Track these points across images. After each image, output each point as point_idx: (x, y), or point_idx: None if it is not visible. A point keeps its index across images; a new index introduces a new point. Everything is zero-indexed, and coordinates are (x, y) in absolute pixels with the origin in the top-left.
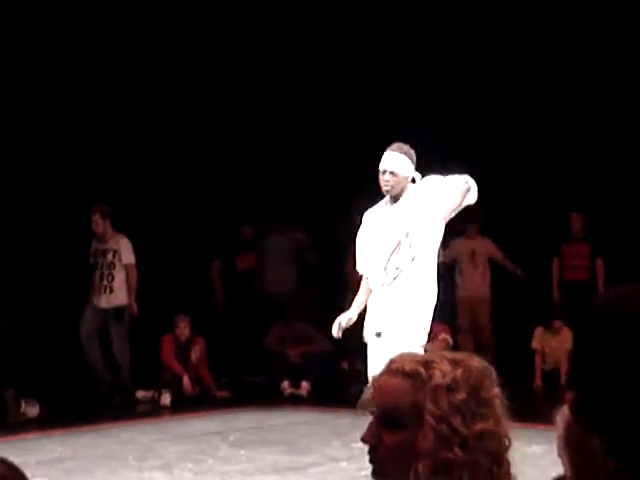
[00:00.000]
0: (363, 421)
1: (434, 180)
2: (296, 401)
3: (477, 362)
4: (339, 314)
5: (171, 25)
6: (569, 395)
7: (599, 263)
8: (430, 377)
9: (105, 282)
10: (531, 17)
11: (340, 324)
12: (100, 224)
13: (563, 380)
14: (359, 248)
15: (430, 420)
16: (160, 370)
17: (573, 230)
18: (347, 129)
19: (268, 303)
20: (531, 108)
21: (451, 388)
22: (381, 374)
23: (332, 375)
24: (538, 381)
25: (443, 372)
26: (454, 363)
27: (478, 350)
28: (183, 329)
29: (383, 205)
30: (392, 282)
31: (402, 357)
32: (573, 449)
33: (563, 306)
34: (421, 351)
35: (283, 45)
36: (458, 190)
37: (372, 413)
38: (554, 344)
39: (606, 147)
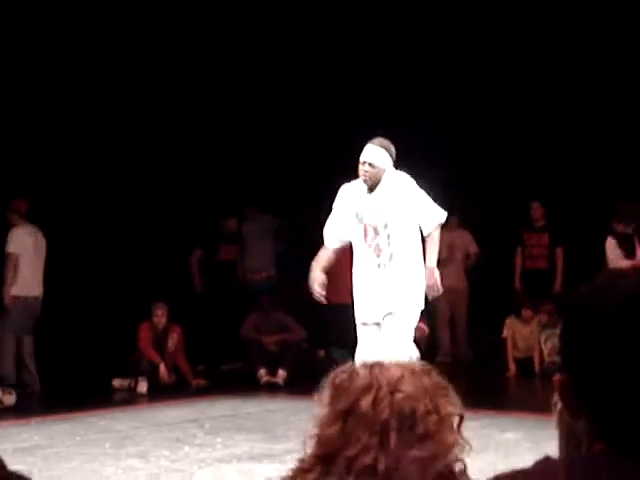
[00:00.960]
0: None
1: (418, 193)
2: (272, 389)
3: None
4: (315, 303)
5: (152, 15)
6: (557, 377)
7: (559, 252)
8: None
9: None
10: (503, 6)
11: (317, 287)
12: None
13: (537, 368)
14: (336, 219)
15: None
16: (137, 358)
17: (533, 219)
18: (325, 116)
19: (247, 291)
20: (492, 98)
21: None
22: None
23: (308, 363)
24: (511, 369)
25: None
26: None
27: (453, 339)
28: (160, 317)
29: (361, 188)
30: (388, 263)
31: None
32: (564, 430)
33: (526, 294)
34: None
35: (260, 32)
36: (435, 220)
37: None
38: (525, 333)
39: (567, 136)
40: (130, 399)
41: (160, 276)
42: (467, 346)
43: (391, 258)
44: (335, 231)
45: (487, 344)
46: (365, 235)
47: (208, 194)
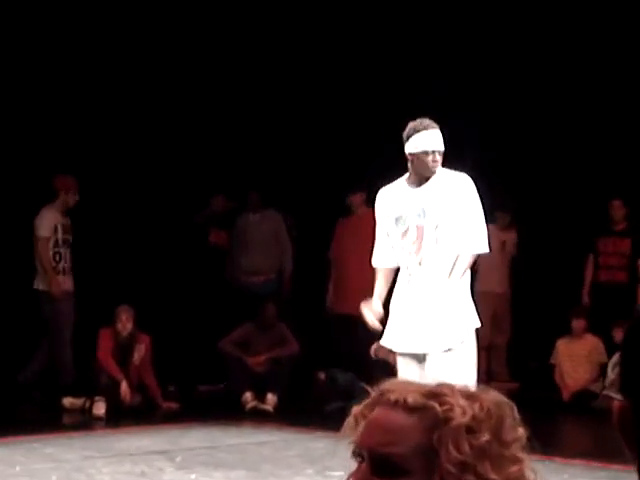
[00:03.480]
0: (343, 447)
1: (475, 204)
2: (260, 417)
3: (494, 396)
4: (319, 309)
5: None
6: (617, 402)
7: None
8: (446, 414)
9: None
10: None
11: (372, 318)
12: None
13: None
14: (380, 238)
15: (450, 468)
16: (94, 372)
17: (613, 221)
18: (338, 104)
19: (238, 295)
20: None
21: (472, 428)
22: (369, 406)
23: (305, 387)
24: (565, 398)
25: (462, 408)
26: (469, 397)
27: (492, 364)
28: (125, 323)
29: (404, 185)
30: (420, 271)
31: (399, 385)
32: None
33: (593, 311)
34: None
35: (261, 21)
36: (475, 249)
37: (357, 454)
38: (580, 353)
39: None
40: (84, 422)
41: (126, 274)
42: (508, 373)
43: (438, 254)
44: (386, 249)
45: (532, 371)
46: (404, 236)
47: (194, 170)
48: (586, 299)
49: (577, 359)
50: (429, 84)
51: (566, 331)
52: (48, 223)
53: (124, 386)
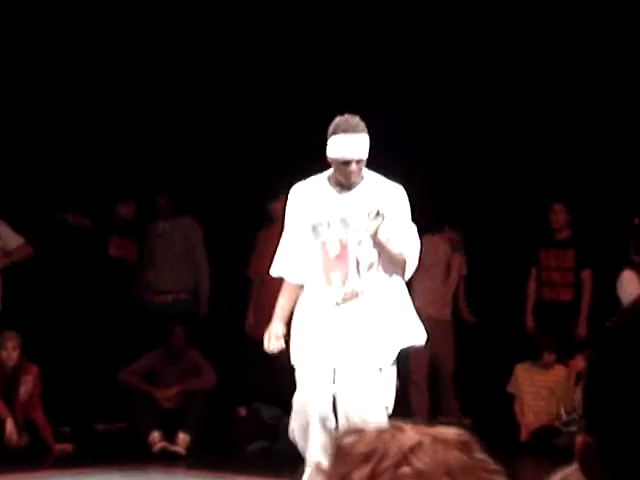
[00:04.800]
0: None
1: (408, 221)
2: (170, 460)
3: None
4: (237, 332)
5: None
6: (579, 439)
7: (586, 276)
8: None
9: None
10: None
11: (271, 340)
12: None
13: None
14: (292, 240)
15: None
16: None
17: (554, 229)
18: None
19: (146, 317)
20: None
21: None
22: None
23: (223, 425)
24: (522, 437)
25: None
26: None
27: (434, 385)
28: (10, 351)
29: (325, 185)
30: (351, 299)
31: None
32: None
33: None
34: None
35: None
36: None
37: None
38: (545, 386)
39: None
40: None
41: (9, 292)
42: (457, 406)
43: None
44: (294, 258)
45: (485, 403)
46: (325, 254)
47: (98, 173)
48: (530, 321)
49: (541, 391)
50: (361, 91)
51: (516, 356)
52: None
53: (9, 425)
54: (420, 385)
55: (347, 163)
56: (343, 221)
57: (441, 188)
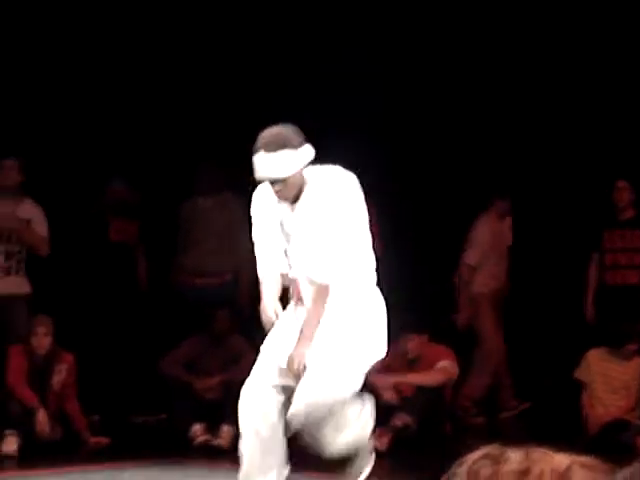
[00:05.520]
0: None
1: (328, 222)
2: (212, 454)
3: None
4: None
5: None
6: None
7: None
8: None
9: None
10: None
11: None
12: None
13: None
14: (260, 242)
15: None
16: (3, 399)
17: (618, 208)
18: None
19: (186, 302)
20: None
21: None
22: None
23: None
24: (592, 429)
25: None
26: None
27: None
28: (42, 337)
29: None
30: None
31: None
32: None
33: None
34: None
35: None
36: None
37: None
38: (622, 378)
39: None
40: None
41: (42, 277)
42: (511, 394)
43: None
44: (270, 260)
45: (546, 390)
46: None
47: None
48: (590, 310)
49: (614, 383)
50: None
51: (576, 344)
52: None
53: (41, 416)
54: (486, 367)
55: (266, 183)
56: (290, 234)
57: (495, 162)
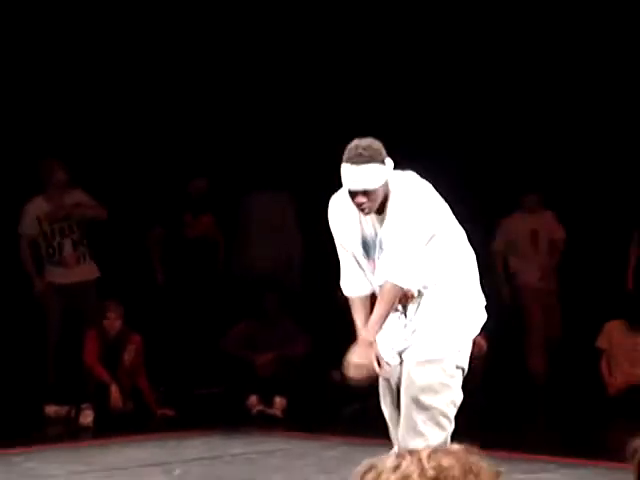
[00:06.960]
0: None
1: (414, 223)
2: (267, 423)
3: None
4: (324, 303)
5: None
6: None
7: None
8: None
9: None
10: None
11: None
12: None
13: None
14: (345, 259)
15: None
16: (80, 377)
17: None
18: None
19: (241, 286)
20: None
21: None
22: None
23: (318, 388)
24: (610, 392)
25: None
26: None
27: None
28: (113, 321)
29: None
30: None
31: None
32: None
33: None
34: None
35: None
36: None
37: None
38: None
39: None
40: (70, 433)
41: (112, 265)
42: (543, 361)
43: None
44: (355, 276)
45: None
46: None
47: (172, 153)
48: (631, 284)
49: (635, 354)
50: None
51: (610, 317)
52: (28, 218)
53: (114, 391)
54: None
55: (354, 194)
56: (379, 242)
57: (535, 154)
